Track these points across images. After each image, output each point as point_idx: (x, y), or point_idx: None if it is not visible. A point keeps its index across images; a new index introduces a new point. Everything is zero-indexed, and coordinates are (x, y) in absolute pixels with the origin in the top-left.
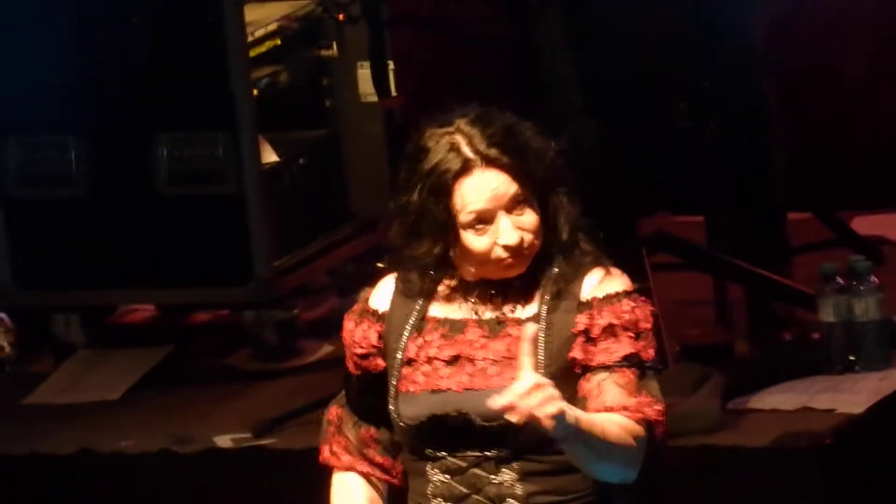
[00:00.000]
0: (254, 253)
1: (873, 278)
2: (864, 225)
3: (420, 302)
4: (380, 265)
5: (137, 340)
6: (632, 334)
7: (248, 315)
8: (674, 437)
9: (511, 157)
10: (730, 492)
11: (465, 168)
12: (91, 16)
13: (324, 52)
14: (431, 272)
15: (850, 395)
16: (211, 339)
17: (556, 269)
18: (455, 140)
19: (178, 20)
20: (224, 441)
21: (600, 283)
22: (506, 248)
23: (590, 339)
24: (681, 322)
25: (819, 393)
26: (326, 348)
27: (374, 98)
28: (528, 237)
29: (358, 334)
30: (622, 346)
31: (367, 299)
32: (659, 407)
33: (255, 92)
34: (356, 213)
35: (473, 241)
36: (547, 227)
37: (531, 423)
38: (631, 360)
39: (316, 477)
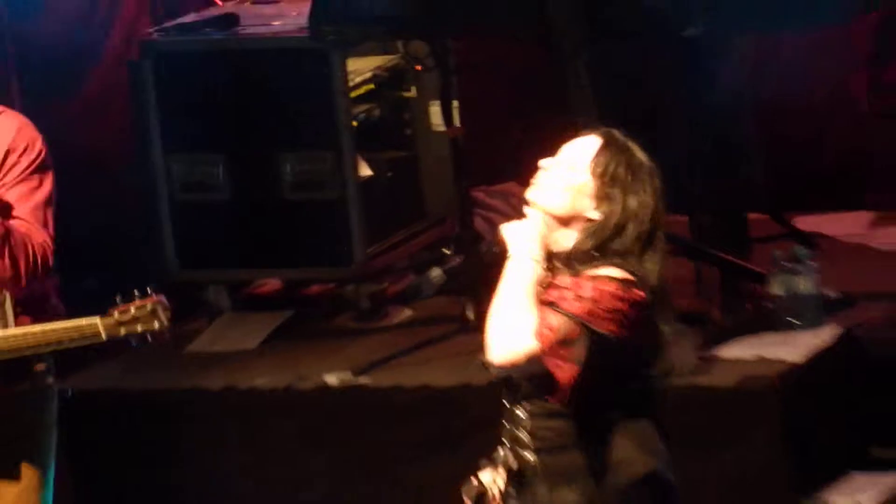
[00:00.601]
0: (353, 242)
1: (811, 262)
2: (805, 223)
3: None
4: (445, 251)
5: (267, 306)
6: (569, 294)
7: (349, 288)
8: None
9: (607, 150)
10: (705, 421)
11: (584, 128)
12: (244, 67)
13: (406, 94)
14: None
15: (792, 348)
16: (322, 306)
17: (578, 265)
18: None
19: (298, 69)
20: (332, 379)
21: (590, 269)
22: None
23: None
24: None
25: (769, 346)
26: (406, 312)
27: (443, 128)
28: (534, 187)
29: None
30: (550, 296)
31: None
32: (545, 332)
33: (355, 123)
34: (428, 213)
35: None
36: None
37: (524, 377)
38: (549, 304)
39: (396, 408)
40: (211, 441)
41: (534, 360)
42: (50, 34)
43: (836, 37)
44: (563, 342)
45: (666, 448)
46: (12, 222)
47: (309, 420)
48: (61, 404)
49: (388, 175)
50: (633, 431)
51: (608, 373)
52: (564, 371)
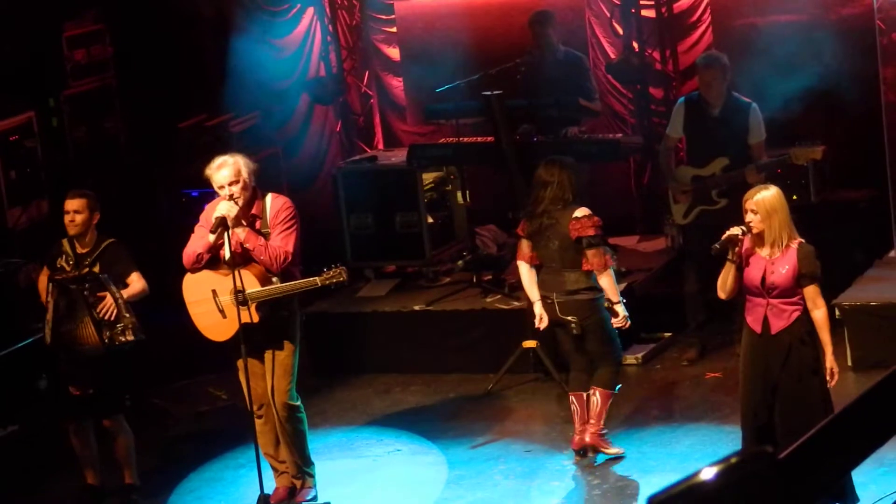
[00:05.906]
0: (426, 248)
1: (615, 256)
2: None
3: None
4: (463, 254)
5: (391, 277)
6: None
7: (423, 268)
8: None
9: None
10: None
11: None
12: (384, 179)
13: (446, 188)
14: None
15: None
16: (411, 276)
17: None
18: None
19: (404, 177)
20: (417, 306)
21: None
22: None
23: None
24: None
25: None
26: (447, 279)
27: (462, 202)
28: None
29: None
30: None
31: None
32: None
33: (426, 199)
34: (456, 237)
35: None
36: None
37: None
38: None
39: (444, 319)
40: (376, 333)
41: None
42: (307, 157)
43: None
44: None
45: None
46: (271, 242)
47: (410, 322)
48: (301, 319)
49: (439, 222)
50: None
51: None
52: None
